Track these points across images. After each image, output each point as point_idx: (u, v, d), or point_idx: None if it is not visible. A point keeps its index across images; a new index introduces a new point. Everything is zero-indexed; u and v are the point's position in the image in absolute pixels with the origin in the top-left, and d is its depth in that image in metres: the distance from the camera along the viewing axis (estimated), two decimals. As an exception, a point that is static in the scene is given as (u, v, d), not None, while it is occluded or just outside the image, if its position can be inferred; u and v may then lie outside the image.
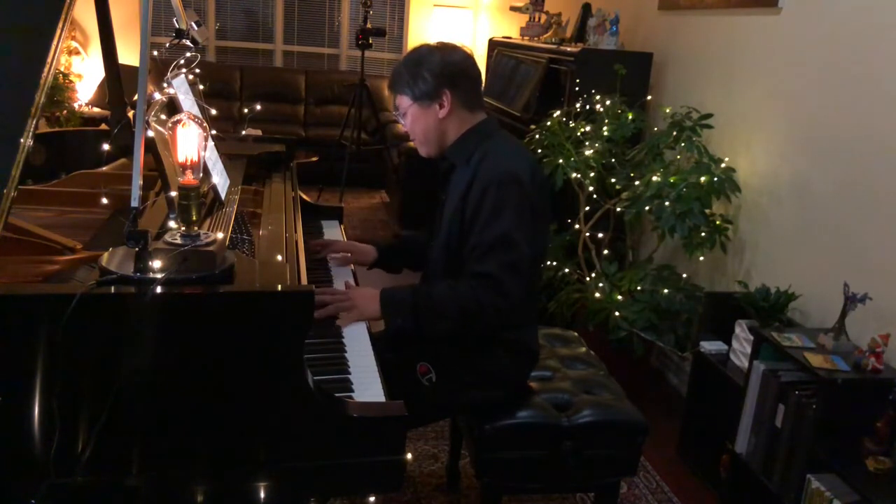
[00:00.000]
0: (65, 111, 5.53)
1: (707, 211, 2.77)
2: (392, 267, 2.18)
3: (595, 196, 3.20)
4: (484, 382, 1.86)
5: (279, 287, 1.31)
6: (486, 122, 1.90)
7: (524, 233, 1.73)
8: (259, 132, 2.80)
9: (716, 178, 2.76)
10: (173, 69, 1.89)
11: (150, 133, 1.48)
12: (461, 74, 1.85)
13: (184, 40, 1.90)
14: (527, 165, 1.81)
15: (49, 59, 1.25)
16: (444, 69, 1.81)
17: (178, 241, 1.26)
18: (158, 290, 1.19)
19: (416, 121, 1.87)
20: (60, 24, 1.28)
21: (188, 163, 1.30)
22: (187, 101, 1.85)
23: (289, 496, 1.35)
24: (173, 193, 1.45)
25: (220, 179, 1.78)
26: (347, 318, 1.73)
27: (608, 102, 3.23)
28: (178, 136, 1.30)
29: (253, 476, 1.31)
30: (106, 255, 1.29)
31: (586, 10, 4.02)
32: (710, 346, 2.62)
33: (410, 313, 1.74)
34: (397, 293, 1.77)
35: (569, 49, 3.65)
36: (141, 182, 1.23)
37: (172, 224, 1.38)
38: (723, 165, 2.82)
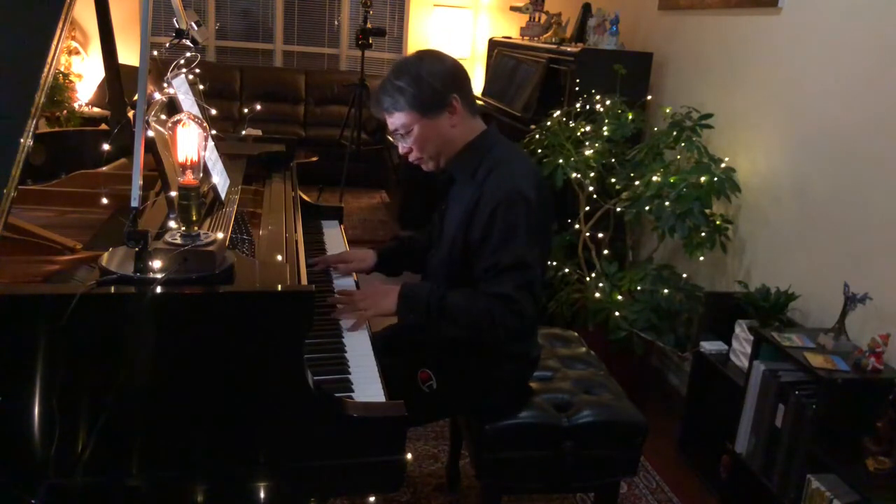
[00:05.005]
0: (65, 111, 5.53)
1: (707, 211, 2.77)
2: (392, 270, 2.13)
3: (595, 196, 3.20)
4: (484, 389, 1.86)
5: (279, 287, 1.31)
6: (487, 132, 1.83)
7: (535, 252, 1.71)
8: (259, 132, 2.80)
9: (716, 178, 2.75)
10: (173, 69, 1.89)
11: (150, 133, 1.48)
12: (463, 76, 1.78)
13: (184, 40, 1.90)
14: (532, 181, 1.75)
15: (49, 59, 1.25)
16: (446, 72, 1.74)
17: (178, 241, 1.26)
18: (158, 290, 1.19)
19: (426, 136, 1.75)
20: (60, 24, 1.28)
21: (188, 163, 1.30)
22: (187, 101, 1.84)
23: (289, 496, 1.35)
24: (173, 193, 1.45)
25: (220, 179, 1.78)
26: (364, 316, 1.74)
27: (608, 102, 3.23)
28: (178, 136, 1.30)
29: (253, 476, 1.31)
30: (106, 255, 1.29)
31: (586, 10, 4.02)
32: (710, 346, 2.62)
33: (424, 312, 1.73)
34: (416, 290, 1.76)
35: (569, 49, 3.65)
36: (141, 182, 1.23)
37: (172, 224, 1.38)
38: (723, 165, 2.82)
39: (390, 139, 2.00)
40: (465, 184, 1.80)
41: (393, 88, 1.72)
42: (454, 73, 1.76)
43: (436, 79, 1.71)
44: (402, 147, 1.81)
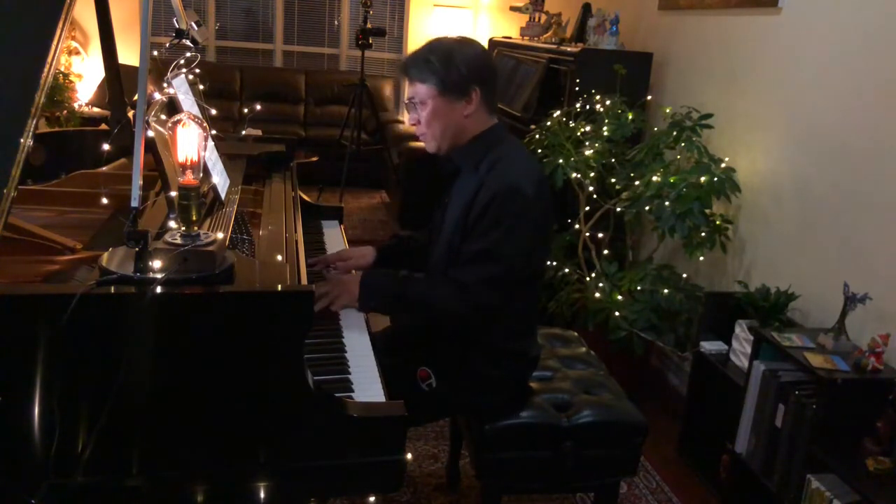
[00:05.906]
0: (65, 111, 5.53)
1: (707, 211, 2.77)
2: (391, 269, 2.15)
3: (595, 196, 3.20)
4: (484, 388, 1.86)
5: (279, 287, 1.31)
6: (497, 127, 1.85)
7: (514, 248, 1.71)
8: (259, 132, 2.79)
9: (716, 178, 2.75)
10: (173, 69, 1.89)
11: (150, 133, 1.48)
12: (491, 74, 1.81)
13: (184, 40, 1.90)
14: (533, 179, 1.76)
15: (49, 59, 1.25)
16: (478, 63, 1.76)
17: (178, 241, 1.26)
18: (158, 290, 1.19)
19: (436, 114, 1.77)
20: (60, 24, 1.28)
21: (188, 163, 1.30)
22: (187, 101, 1.84)
23: (289, 496, 1.35)
24: (173, 193, 1.45)
25: (220, 179, 1.78)
26: (338, 303, 1.77)
27: (608, 102, 3.23)
28: (178, 136, 1.30)
29: (253, 476, 1.31)
30: (106, 255, 1.29)
31: (586, 10, 4.02)
32: (710, 346, 2.62)
33: (382, 299, 1.79)
34: (376, 279, 1.81)
35: (569, 49, 3.65)
36: (141, 182, 1.23)
37: (172, 224, 1.38)
38: (723, 165, 2.82)
39: (405, 107, 2.05)
40: (469, 174, 1.82)
41: (423, 60, 1.76)
42: (484, 68, 1.79)
43: (465, 65, 1.74)
44: (411, 117, 1.85)
